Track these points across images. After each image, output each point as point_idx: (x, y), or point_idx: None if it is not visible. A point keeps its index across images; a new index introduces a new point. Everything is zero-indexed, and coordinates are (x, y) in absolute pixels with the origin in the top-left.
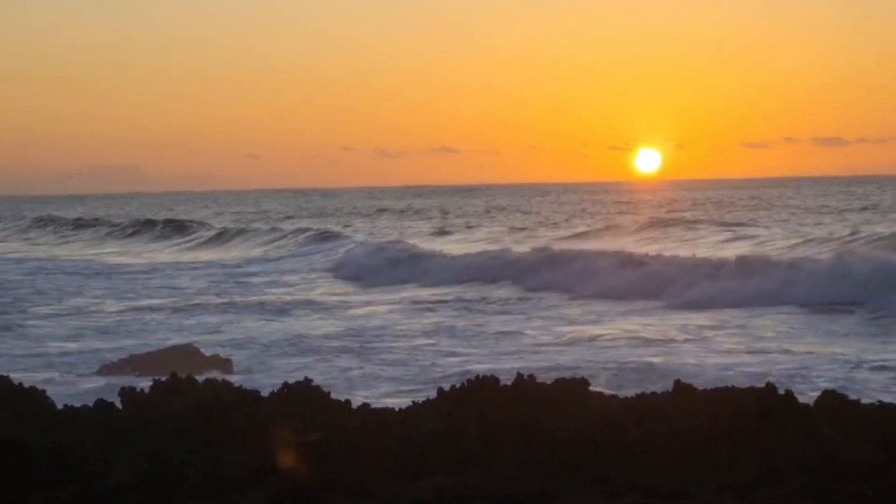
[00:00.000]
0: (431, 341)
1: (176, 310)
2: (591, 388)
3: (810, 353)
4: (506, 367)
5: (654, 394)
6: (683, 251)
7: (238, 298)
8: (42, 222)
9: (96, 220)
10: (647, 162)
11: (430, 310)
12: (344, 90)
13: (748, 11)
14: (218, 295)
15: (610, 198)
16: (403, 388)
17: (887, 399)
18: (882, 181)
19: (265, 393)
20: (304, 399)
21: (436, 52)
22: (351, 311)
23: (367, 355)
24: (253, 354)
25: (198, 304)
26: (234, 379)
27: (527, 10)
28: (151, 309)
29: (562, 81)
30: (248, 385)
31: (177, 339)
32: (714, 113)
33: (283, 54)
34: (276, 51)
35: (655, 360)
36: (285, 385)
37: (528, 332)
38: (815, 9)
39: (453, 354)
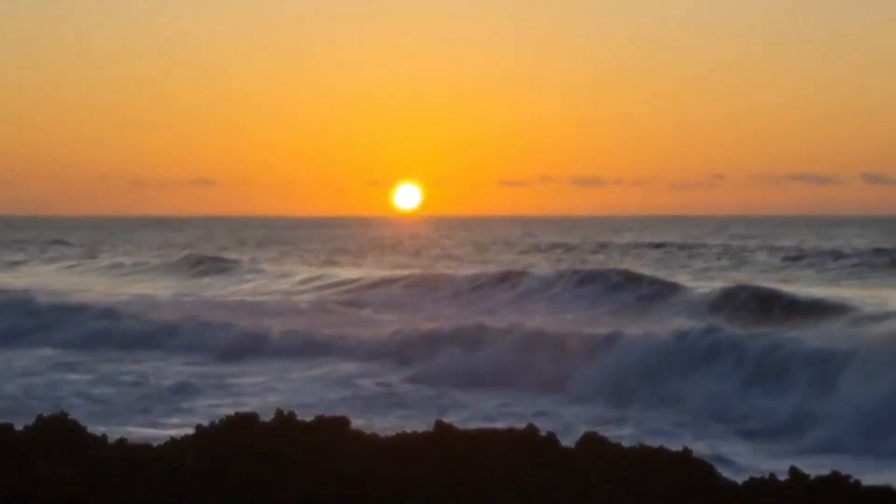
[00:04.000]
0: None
1: None
2: (352, 427)
3: None
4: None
5: (414, 432)
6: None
7: None
8: None
9: None
10: (407, 197)
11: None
12: (100, 117)
13: (506, 51)
14: None
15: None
16: (161, 420)
17: None
18: (629, 221)
19: (19, 426)
20: (59, 433)
21: (194, 81)
22: None
23: (124, 389)
24: (8, 387)
25: None
26: None
27: (284, 44)
28: None
29: (321, 115)
30: (1, 418)
31: None
32: (473, 150)
33: (38, 75)
34: (30, 71)
35: None
36: (40, 418)
37: None
38: (575, 52)
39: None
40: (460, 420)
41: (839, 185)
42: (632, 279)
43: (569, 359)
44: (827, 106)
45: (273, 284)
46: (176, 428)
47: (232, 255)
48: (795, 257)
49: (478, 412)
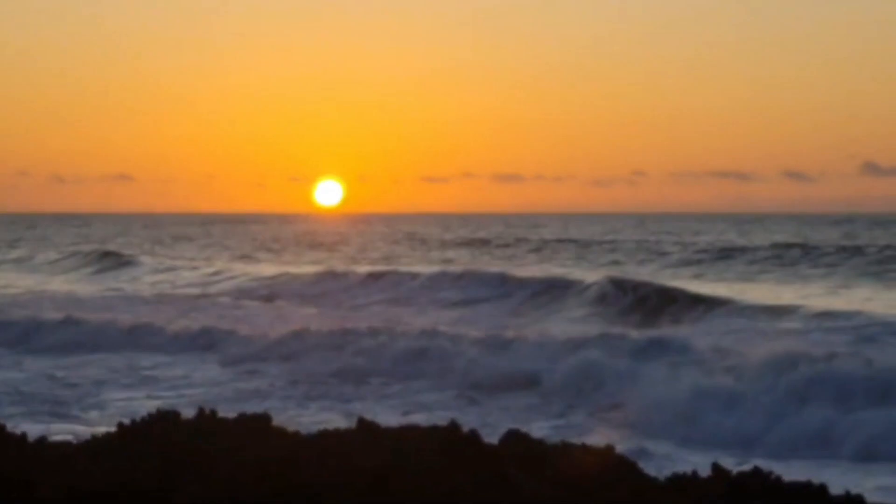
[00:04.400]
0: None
1: None
2: (274, 424)
3: None
4: None
5: (337, 430)
6: None
7: None
8: None
9: None
10: (328, 194)
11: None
12: (20, 111)
13: (428, 49)
14: None
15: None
16: (82, 417)
17: None
18: (550, 218)
19: None
20: None
21: (111, 75)
22: None
23: (44, 385)
24: None
25: None
26: None
27: (202, 38)
28: None
29: (240, 109)
30: None
31: None
32: (394, 146)
33: None
34: None
35: None
36: None
37: None
38: (496, 49)
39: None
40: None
41: (760, 183)
42: (525, 277)
43: (459, 357)
44: (748, 103)
45: (172, 279)
46: (96, 425)
47: (137, 251)
48: (705, 250)
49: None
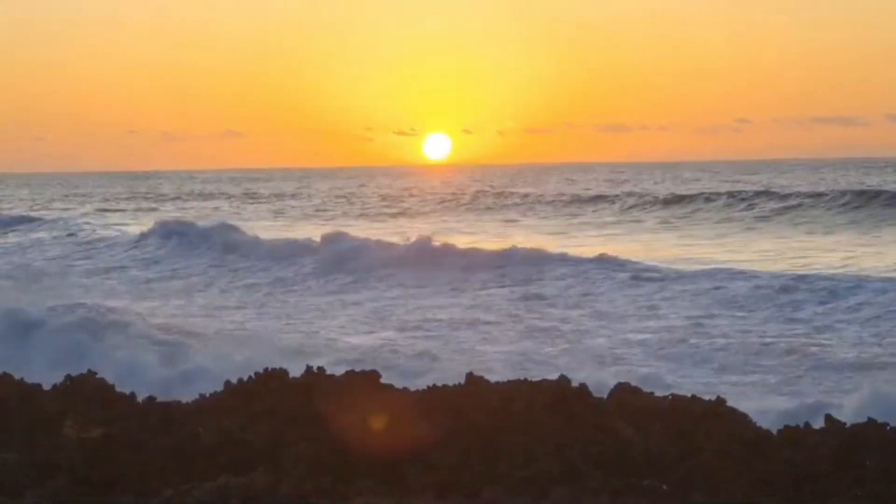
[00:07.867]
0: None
1: None
2: (383, 381)
3: None
4: None
5: (445, 386)
6: None
7: None
8: None
9: None
10: (434, 147)
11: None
12: (129, 73)
13: (524, 4)
14: None
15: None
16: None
17: None
18: (648, 167)
19: (47, 386)
20: (87, 393)
21: (217, 33)
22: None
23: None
24: (34, 345)
25: None
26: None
27: None
28: None
29: (344, 65)
30: (29, 378)
31: None
32: (497, 99)
33: (69, 32)
34: (61, 30)
35: None
36: (68, 378)
37: None
38: (591, 3)
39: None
40: None
41: (865, 127)
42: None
43: None
44: (851, 48)
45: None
46: None
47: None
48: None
49: None
